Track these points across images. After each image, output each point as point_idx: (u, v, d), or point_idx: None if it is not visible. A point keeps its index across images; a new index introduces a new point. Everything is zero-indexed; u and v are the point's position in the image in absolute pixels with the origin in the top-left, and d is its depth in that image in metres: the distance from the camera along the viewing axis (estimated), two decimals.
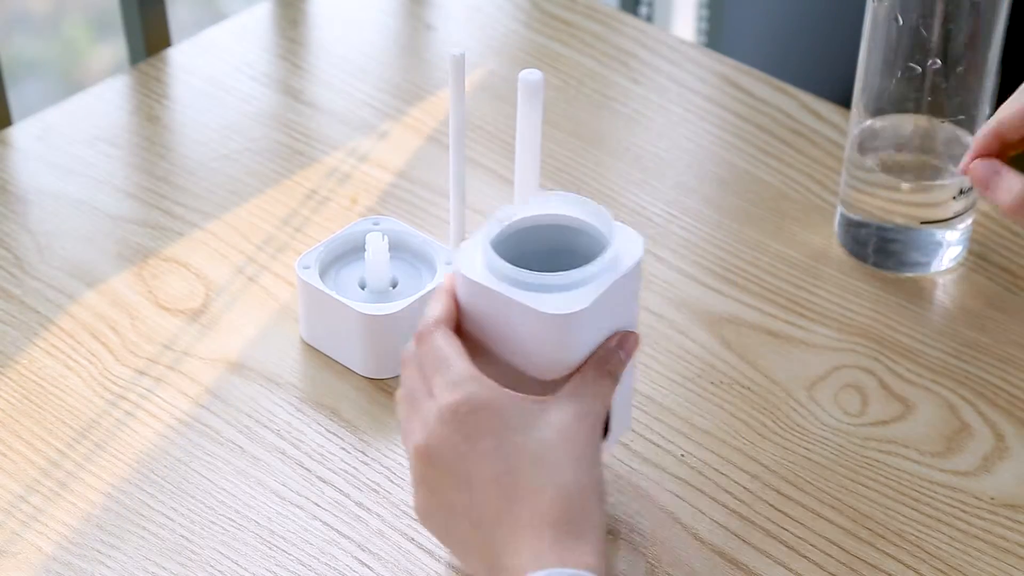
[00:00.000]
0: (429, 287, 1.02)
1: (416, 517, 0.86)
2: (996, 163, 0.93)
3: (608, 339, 0.87)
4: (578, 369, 0.85)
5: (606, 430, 0.89)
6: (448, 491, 0.82)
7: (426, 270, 1.05)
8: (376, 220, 1.06)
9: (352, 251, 1.05)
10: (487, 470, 0.81)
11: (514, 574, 0.79)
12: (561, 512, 0.80)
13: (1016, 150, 0.95)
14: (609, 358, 0.86)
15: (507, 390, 0.83)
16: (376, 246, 1.02)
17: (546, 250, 0.89)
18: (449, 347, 0.84)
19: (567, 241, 0.89)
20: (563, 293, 0.84)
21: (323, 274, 1.03)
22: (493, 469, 0.81)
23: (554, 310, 0.84)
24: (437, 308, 0.86)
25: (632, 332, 0.88)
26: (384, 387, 1.02)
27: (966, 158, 0.94)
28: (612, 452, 0.97)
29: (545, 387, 0.86)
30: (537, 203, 0.90)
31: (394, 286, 1.04)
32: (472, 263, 0.86)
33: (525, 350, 0.86)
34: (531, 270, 0.85)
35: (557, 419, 0.83)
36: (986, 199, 0.95)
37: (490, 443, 0.81)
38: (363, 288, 1.03)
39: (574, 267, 0.85)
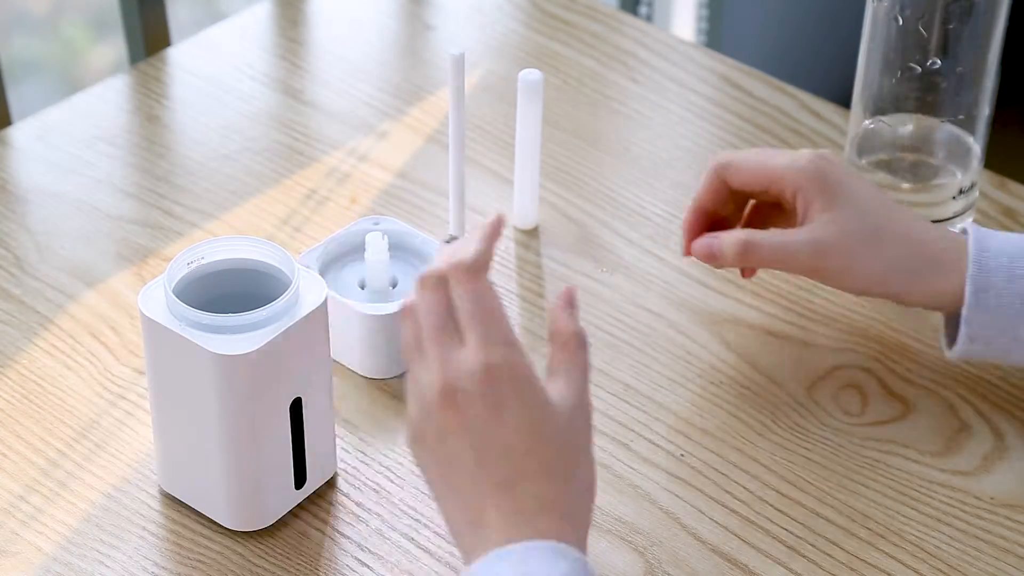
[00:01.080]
0: None
1: (409, 446, 0.82)
2: (708, 235, 1.00)
3: (555, 315, 0.84)
4: (552, 366, 0.83)
5: (304, 476, 0.93)
6: (459, 443, 0.79)
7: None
8: (376, 220, 1.06)
9: (352, 251, 1.05)
10: (509, 438, 0.79)
11: (493, 537, 0.78)
12: (562, 500, 0.79)
13: (718, 221, 1.02)
14: (568, 339, 0.83)
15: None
16: (376, 246, 1.02)
17: (239, 294, 0.91)
18: (495, 300, 0.81)
19: (258, 285, 0.91)
20: (237, 335, 0.86)
21: (323, 273, 1.03)
22: (515, 440, 0.79)
23: (225, 351, 0.86)
24: (473, 251, 0.82)
25: (568, 290, 0.84)
26: (384, 387, 1.02)
27: (684, 246, 1.01)
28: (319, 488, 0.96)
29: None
30: (223, 246, 0.91)
31: (394, 286, 1.03)
32: (155, 303, 0.88)
33: (204, 391, 0.87)
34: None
35: (562, 413, 0.81)
36: (718, 267, 1.01)
37: (519, 415, 0.79)
38: (363, 288, 1.03)
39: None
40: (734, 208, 1.02)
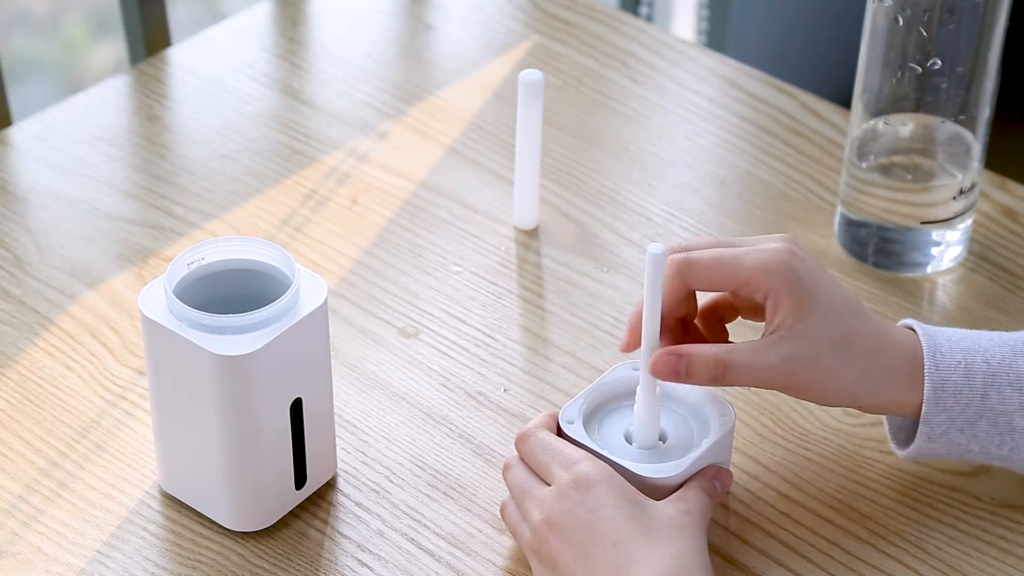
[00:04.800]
0: (706, 445, 0.92)
1: None
2: (672, 349, 0.90)
3: (707, 469, 0.92)
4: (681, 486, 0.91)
5: (304, 477, 0.93)
6: (566, 560, 0.86)
7: (696, 421, 0.95)
8: (635, 366, 0.96)
9: (611, 399, 0.96)
10: (605, 537, 0.85)
11: None
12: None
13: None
14: (708, 484, 0.91)
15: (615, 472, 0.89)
16: (646, 400, 0.92)
17: (239, 295, 0.91)
18: (554, 439, 0.91)
19: (258, 286, 0.91)
20: (238, 336, 0.86)
21: (586, 427, 0.93)
22: (610, 537, 0.85)
23: (225, 352, 0.86)
24: (535, 420, 0.93)
25: (726, 470, 0.93)
26: (384, 388, 1.02)
27: (625, 342, 0.93)
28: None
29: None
30: (223, 246, 0.91)
31: (663, 440, 0.94)
32: (155, 304, 0.88)
33: (204, 391, 0.87)
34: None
35: (665, 506, 0.88)
36: (686, 382, 0.91)
37: (608, 512, 0.86)
38: (630, 443, 0.93)
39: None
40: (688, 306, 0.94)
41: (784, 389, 0.92)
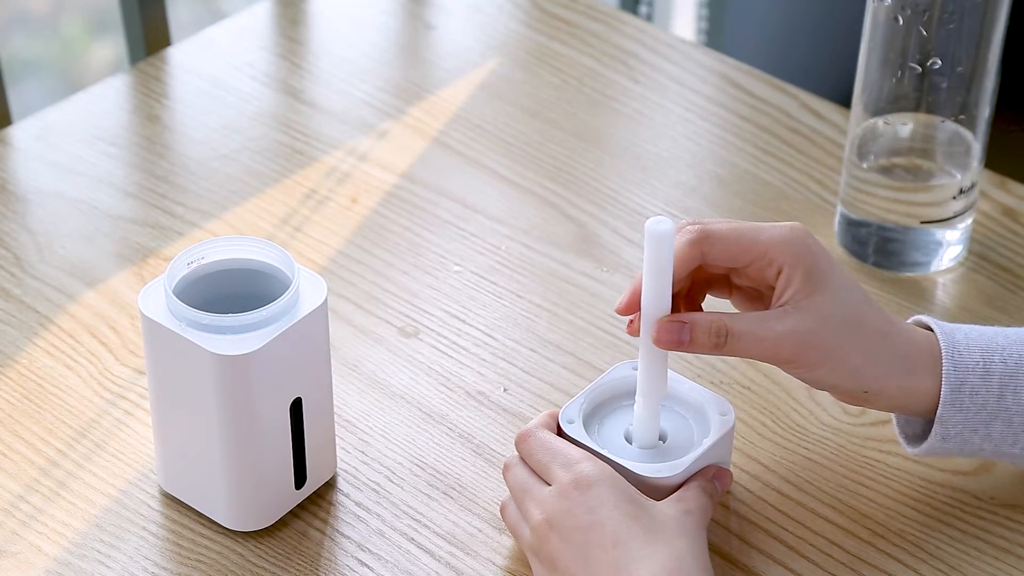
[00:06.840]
0: (706, 445, 0.91)
1: None
2: (674, 316, 0.88)
3: (707, 469, 0.91)
4: (681, 485, 0.91)
5: (304, 476, 0.93)
6: (566, 560, 0.86)
7: (696, 420, 0.95)
8: (635, 365, 0.94)
9: (612, 399, 0.95)
10: (605, 538, 0.85)
11: None
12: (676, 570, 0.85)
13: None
14: (708, 484, 0.91)
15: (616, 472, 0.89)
16: (647, 400, 0.91)
17: (239, 294, 0.91)
18: (554, 438, 0.91)
19: (258, 285, 0.91)
20: (238, 335, 0.86)
21: (586, 426, 0.93)
22: (611, 537, 0.85)
23: (225, 351, 0.86)
24: (535, 420, 0.93)
25: (726, 470, 0.93)
26: (384, 388, 1.02)
27: (624, 301, 0.89)
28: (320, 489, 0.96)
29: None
30: (223, 246, 0.91)
31: (663, 439, 0.94)
32: (155, 303, 0.88)
33: (204, 391, 0.87)
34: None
35: (665, 506, 0.88)
36: (685, 352, 0.89)
37: (608, 512, 0.86)
38: (630, 442, 0.93)
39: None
40: (689, 283, 0.92)
41: (788, 363, 0.89)
